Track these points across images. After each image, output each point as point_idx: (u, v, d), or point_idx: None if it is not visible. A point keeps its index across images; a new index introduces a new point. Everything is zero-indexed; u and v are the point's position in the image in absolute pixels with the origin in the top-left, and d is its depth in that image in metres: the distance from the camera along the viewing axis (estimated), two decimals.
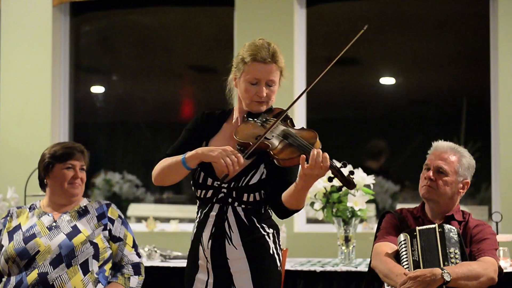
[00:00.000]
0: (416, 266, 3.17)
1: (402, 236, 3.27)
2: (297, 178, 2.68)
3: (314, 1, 5.59)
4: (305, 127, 5.46)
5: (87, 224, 3.46)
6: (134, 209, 6.06)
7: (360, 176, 4.32)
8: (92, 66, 6.40)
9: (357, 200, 4.22)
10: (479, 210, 5.25)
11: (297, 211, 2.82)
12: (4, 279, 3.42)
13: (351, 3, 5.77)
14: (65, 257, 3.35)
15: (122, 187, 6.11)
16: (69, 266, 3.34)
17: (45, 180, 3.54)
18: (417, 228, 3.26)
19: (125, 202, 6.08)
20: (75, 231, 3.42)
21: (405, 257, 3.22)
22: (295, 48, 5.44)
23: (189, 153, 2.78)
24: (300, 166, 2.67)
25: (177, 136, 3.11)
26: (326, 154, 2.62)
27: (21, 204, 4.86)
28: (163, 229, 5.62)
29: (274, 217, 3.00)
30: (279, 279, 2.97)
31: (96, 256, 3.40)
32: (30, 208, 3.55)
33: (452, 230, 3.23)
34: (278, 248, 2.97)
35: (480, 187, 5.35)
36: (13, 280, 3.36)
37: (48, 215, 3.49)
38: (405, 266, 3.20)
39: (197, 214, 2.98)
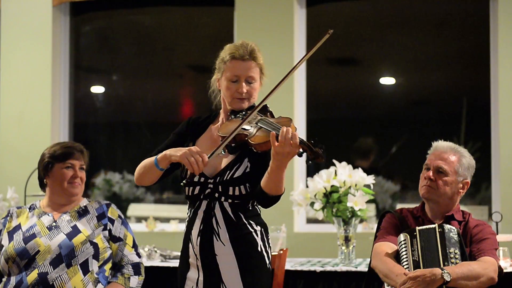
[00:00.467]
0: (416, 266, 3.17)
1: (402, 236, 3.27)
2: (271, 159, 2.72)
3: (314, 1, 5.59)
4: (304, 127, 5.51)
5: (87, 224, 3.46)
6: (134, 209, 6.06)
7: (360, 176, 4.32)
8: (92, 66, 6.40)
9: (357, 200, 4.22)
10: (479, 210, 5.25)
11: (277, 197, 2.86)
12: (4, 279, 3.42)
13: (351, 3, 5.77)
14: (65, 257, 3.35)
15: (122, 187, 6.12)
16: (69, 266, 3.34)
17: (44, 180, 3.54)
18: (417, 228, 3.26)
19: (125, 202, 6.08)
20: (75, 231, 3.42)
21: (405, 257, 3.21)
22: (295, 48, 5.44)
23: (160, 154, 2.88)
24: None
25: None
26: (296, 132, 2.67)
27: (21, 204, 4.87)
28: (163, 229, 5.62)
29: (264, 216, 3.03)
30: (268, 277, 3.00)
31: (96, 256, 3.40)
32: (30, 208, 3.55)
33: (452, 230, 3.23)
34: (267, 246, 3.00)
35: (480, 187, 5.35)
36: (13, 280, 3.36)
37: (48, 215, 3.49)
38: (405, 266, 3.20)
39: (187, 213, 3.03)
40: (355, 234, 4.32)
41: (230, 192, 2.91)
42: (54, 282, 3.31)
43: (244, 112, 2.96)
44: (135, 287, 3.47)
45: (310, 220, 5.39)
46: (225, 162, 2.95)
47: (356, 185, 4.30)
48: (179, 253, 4.48)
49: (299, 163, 5.41)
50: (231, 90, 2.96)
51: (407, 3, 5.71)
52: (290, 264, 4.21)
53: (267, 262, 2.98)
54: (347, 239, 4.29)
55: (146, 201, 6.11)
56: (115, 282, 3.44)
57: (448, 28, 5.67)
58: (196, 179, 2.94)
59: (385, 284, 3.26)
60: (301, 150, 2.68)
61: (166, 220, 5.71)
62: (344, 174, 4.31)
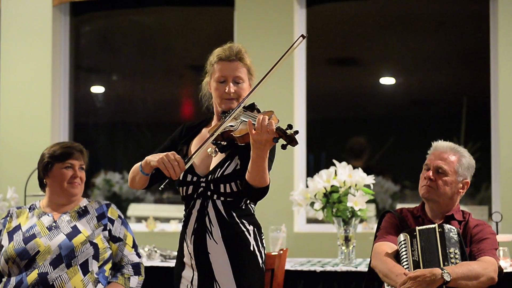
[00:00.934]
0: (416, 266, 3.17)
1: (402, 236, 3.27)
2: (251, 149, 2.78)
3: (314, 1, 5.58)
4: (304, 127, 5.51)
5: (87, 225, 3.46)
6: (134, 209, 6.06)
7: (360, 176, 4.32)
8: (92, 66, 6.40)
9: (357, 200, 4.23)
10: (479, 210, 5.25)
11: (263, 189, 2.87)
12: (4, 280, 3.42)
13: (351, 3, 5.76)
14: (65, 257, 3.35)
15: (122, 187, 6.11)
16: (69, 266, 3.34)
17: (44, 180, 3.54)
18: (417, 228, 3.26)
19: (125, 202, 6.08)
20: (75, 231, 3.42)
21: (405, 257, 3.22)
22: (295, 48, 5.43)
23: (143, 160, 2.98)
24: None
25: None
26: (272, 120, 2.72)
27: (21, 204, 4.86)
28: (163, 229, 5.62)
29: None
30: (261, 276, 3.03)
31: (96, 256, 3.40)
32: (30, 208, 3.55)
33: (452, 230, 3.23)
34: (260, 245, 3.03)
35: (480, 187, 5.35)
36: (13, 280, 3.36)
37: (48, 215, 3.49)
38: (405, 266, 3.20)
39: (184, 213, 3.09)
40: (355, 234, 4.32)
41: (222, 190, 2.96)
42: (54, 282, 3.31)
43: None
44: (135, 287, 3.47)
45: (310, 220, 5.39)
46: (216, 160, 3.01)
47: (356, 185, 4.30)
48: None
49: (299, 163, 5.41)
50: (220, 90, 3.02)
51: (407, 3, 5.70)
52: (290, 264, 4.21)
53: (260, 261, 3.01)
54: (347, 239, 4.29)
55: (146, 201, 6.11)
56: (115, 282, 3.44)
57: (448, 28, 5.67)
58: (188, 178, 3.00)
59: (385, 284, 3.26)
60: (277, 136, 2.72)
61: (166, 220, 5.71)
62: (344, 174, 4.31)
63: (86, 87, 6.25)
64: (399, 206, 5.30)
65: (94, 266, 3.40)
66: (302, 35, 2.92)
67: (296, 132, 2.71)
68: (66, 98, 5.95)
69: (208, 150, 2.95)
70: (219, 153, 2.95)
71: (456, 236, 3.22)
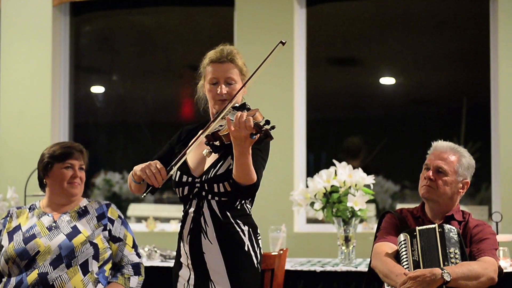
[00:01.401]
0: (416, 266, 3.17)
1: (402, 236, 3.27)
2: (233, 146, 2.82)
3: (314, 1, 5.58)
4: (304, 127, 5.51)
5: (86, 225, 3.46)
6: (134, 209, 6.06)
7: (360, 176, 4.32)
8: (92, 66, 6.39)
9: (357, 200, 4.23)
10: (479, 210, 5.25)
11: (250, 187, 2.89)
12: (4, 280, 3.42)
13: (351, 3, 5.76)
14: (65, 258, 3.35)
15: (122, 187, 6.11)
16: (69, 267, 3.34)
17: (44, 180, 3.54)
18: (417, 228, 3.26)
19: (125, 202, 6.08)
20: (75, 231, 3.42)
21: (405, 257, 3.22)
22: (295, 48, 5.44)
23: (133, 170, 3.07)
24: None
25: None
26: (250, 117, 2.76)
27: (21, 204, 4.86)
28: (163, 229, 5.62)
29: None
30: (256, 277, 3.04)
31: (96, 257, 3.40)
32: (30, 209, 3.55)
33: (452, 230, 3.23)
34: (255, 246, 3.05)
35: (480, 187, 5.35)
36: (13, 280, 3.36)
37: (48, 215, 3.49)
38: (405, 266, 3.20)
39: (182, 214, 3.13)
40: (355, 234, 4.32)
41: (215, 190, 2.98)
42: (54, 282, 3.31)
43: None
44: (135, 287, 3.47)
45: (310, 220, 5.39)
46: (210, 161, 3.05)
47: (356, 185, 4.30)
48: None
49: (299, 163, 5.41)
50: (213, 92, 3.08)
51: (407, 3, 5.70)
52: (290, 264, 4.21)
53: (255, 261, 3.03)
54: (347, 239, 4.29)
55: (146, 201, 6.11)
56: (115, 282, 3.44)
57: (448, 28, 5.66)
58: (184, 179, 3.05)
59: (385, 284, 3.26)
60: (254, 132, 2.75)
61: (166, 220, 5.71)
62: (344, 174, 4.31)
63: (86, 87, 6.25)
64: (399, 206, 5.30)
65: (94, 266, 3.40)
66: (281, 42, 2.96)
67: (273, 127, 2.75)
68: (66, 98, 5.95)
69: (204, 151, 3.00)
70: (213, 153, 2.99)
71: (456, 236, 3.22)
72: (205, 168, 3.05)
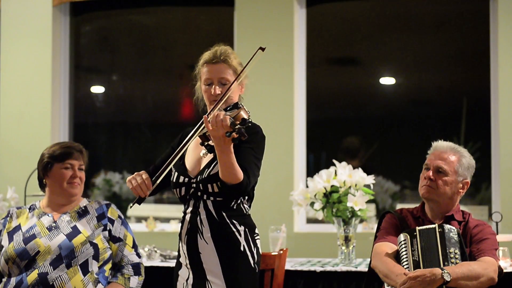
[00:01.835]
0: (416, 266, 3.17)
1: (402, 236, 3.27)
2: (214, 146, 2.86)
3: (314, 1, 5.58)
4: (304, 127, 5.51)
5: (86, 225, 3.46)
6: (134, 209, 6.06)
7: (360, 176, 4.32)
8: (92, 66, 6.39)
9: (357, 200, 4.23)
10: (479, 210, 5.25)
11: (237, 186, 2.90)
12: (4, 280, 3.42)
13: (351, 3, 5.76)
14: (65, 258, 3.35)
15: (122, 187, 6.11)
16: (69, 267, 3.34)
17: (44, 180, 3.53)
18: (417, 228, 3.26)
19: (125, 202, 6.08)
20: (75, 231, 3.42)
21: (405, 257, 3.22)
22: (295, 48, 5.44)
23: None
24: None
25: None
26: (227, 116, 2.78)
27: (21, 204, 4.86)
28: (163, 229, 5.62)
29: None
30: (252, 277, 3.04)
31: (96, 257, 3.40)
32: (30, 209, 3.55)
33: (452, 230, 3.23)
34: (252, 246, 3.05)
35: (480, 187, 5.35)
36: (13, 280, 3.36)
37: (48, 215, 3.49)
38: (405, 266, 3.20)
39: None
40: (355, 234, 4.32)
41: (210, 190, 3.00)
42: (54, 283, 3.31)
43: None
44: (135, 287, 3.47)
45: (310, 220, 5.39)
46: (205, 161, 3.07)
47: (356, 185, 4.30)
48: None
49: (299, 163, 5.41)
50: (208, 93, 3.11)
51: (407, 3, 5.70)
52: (290, 264, 4.21)
53: (251, 262, 3.03)
54: (347, 239, 4.29)
55: (146, 201, 6.09)
56: (115, 282, 3.44)
57: (448, 28, 5.66)
58: (181, 180, 3.07)
59: (385, 284, 3.26)
60: (230, 131, 2.78)
61: (166, 220, 5.71)
62: (344, 174, 4.31)
63: (86, 87, 6.25)
64: (399, 206, 5.30)
65: (94, 266, 3.40)
66: (260, 47, 2.98)
67: (247, 126, 2.77)
68: (66, 98, 5.95)
69: (201, 152, 3.03)
70: (208, 154, 2.99)
71: (456, 236, 3.22)
72: (201, 168, 3.06)
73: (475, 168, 3.42)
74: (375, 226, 3.61)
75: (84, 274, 3.36)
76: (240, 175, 2.88)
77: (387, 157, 5.77)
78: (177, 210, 5.82)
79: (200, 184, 3.01)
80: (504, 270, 3.47)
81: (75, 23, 6.06)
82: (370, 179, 4.33)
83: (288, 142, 5.36)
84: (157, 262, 4.38)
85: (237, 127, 2.75)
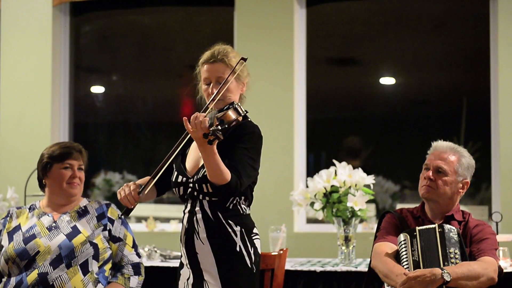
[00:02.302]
0: (416, 266, 3.17)
1: (402, 236, 3.27)
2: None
3: (314, 1, 5.59)
4: (304, 127, 5.51)
5: (86, 225, 3.46)
6: (134, 209, 6.05)
7: (360, 176, 4.32)
8: (92, 66, 6.39)
9: (357, 200, 4.22)
10: (479, 210, 5.25)
11: (224, 187, 2.90)
12: (4, 280, 3.42)
13: (351, 3, 5.76)
14: (65, 258, 3.35)
15: None
16: (69, 267, 3.34)
17: (43, 181, 3.53)
18: (417, 228, 3.26)
19: None
20: (75, 231, 3.42)
21: (405, 257, 3.21)
22: (295, 48, 5.44)
23: None
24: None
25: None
26: (206, 118, 2.80)
27: (21, 204, 4.86)
28: (163, 229, 5.62)
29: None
30: (249, 277, 3.02)
31: (96, 257, 3.40)
32: (29, 209, 3.55)
33: (452, 230, 3.23)
34: (249, 246, 3.03)
35: (480, 187, 5.35)
36: (13, 280, 3.36)
37: (48, 215, 3.48)
38: (405, 266, 3.20)
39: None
40: (355, 234, 4.32)
41: (205, 190, 2.99)
42: (54, 283, 3.31)
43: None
44: (135, 287, 3.47)
45: (310, 220, 5.39)
46: (202, 161, 3.04)
47: (356, 185, 4.30)
48: (179, 253, 4.52)
49: (299, 163, 5.41)
50: (206, 92, 3.12)
51: (407, 3, 5.70)
52: (290, 264, 4.21)
53: (248, 262, 3.02)
54: (347, 239, 4.29)
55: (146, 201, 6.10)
56: (115, 282, 3.44)
57: (448, 28, 5.66)
58: (179, 179, 3.08)
59: (385, 284, 3.26)
60: (207, 132, 2.79)
61: (166, 220, 5.71)
62: (344, 174, 4.31)
63: (86, 87, 6.25)
64: (399, 206, 5.30)
65: (94, 266, 3.39)
66: (242, 58, 3.03)
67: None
68: (66, 98, 5.95)
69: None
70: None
71: (456, 236, 3.22)
72: (198, 168, 3.07)
73: (475, 168, 3.42)
74: (375, 226, 3.61)
75: (84, 274, 3.36)
76: (227, 176, 2.87)
77: (387, 157, 5.77)
78: (177, 210, 5.82)
79: (196, 184, 3.01)
80: (504, 270, 3.47)
81: (75, 23, 6.06)
82: (370, 179, 4.33)
83: (288, 142, 5.36)
84: (157, 262, 4.37)
85: (212, 128, 2.75)
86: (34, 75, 5.78)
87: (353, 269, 4.04)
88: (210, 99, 3.02)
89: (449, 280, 3.05)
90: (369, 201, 4.30)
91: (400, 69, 5.78)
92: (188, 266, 3.06)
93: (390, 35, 5.77)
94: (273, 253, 3.60)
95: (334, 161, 4.39)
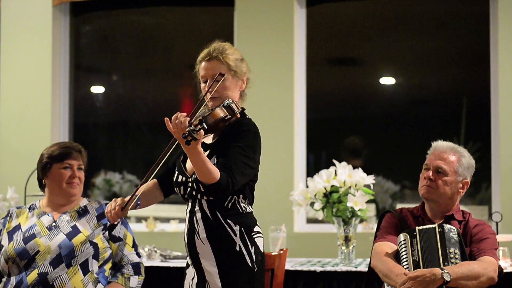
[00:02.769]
0: (416, 266, 3.17)
1: (402, 236, 3.27)
2: None
3: (314, 1, 5.59)
4: (304, 127, 5.51)
5: (86, 224, 3.46)
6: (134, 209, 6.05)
7: (360, 176, 4.32)
8: (92, 66, 6.40)
9: (357, 200, 4.22)
10: (479, 210, 5.25)
11: (213, 186, 2.89)
12: (4, 279, 3.42)
13: (351, 3, 5.76)
14: (65, 257, 3.35)
15: (122, 187, 6.11)
16: (69, 266, 3.34)
17: (43, 181, 3.53)
18: (417, 228, 3.26)
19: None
20: (75, 231, 3.42)
21: (405, 257, 3.22)
22: (295, 48, 5.44)
23: None
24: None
25: None
26: (186, 118, 2.81)
27: (21, 204, 4.86)
28: (163, 229, 5.62)
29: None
30: (250, 276, 3.00)
31: (96, 256, 3.40)
32: (29, 208, 3.55)
33: (452, 230, 3.23)
34: (249, 245, 3.01)
35: (480, 187, 5.35)
36: (13, 280, 3.36)
37: (48, 215, 3.49)
38: (405, 266, 3.20)
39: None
40: (355, 234, 4.32)
41: (202, 189, 2.98)
42: (54, 282, 3.31)
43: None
44: (135, 287, 3.47)
45: (310, 220, 5.39)
46: None
47: (356, 185, 4.30)
48: (179, 253, 4.54)
49: (299, 163, 5.41)
50: (204, 90, 3.10)
51: (407, 3, 5.70)
52: (290, 264, 4.21)
53: (248, 261, 3.00)
54: (347, 239, 4.29)
55: None
56: (115, 282, 3.44)
57: (448, 28, 5.66)
58: (179, 179, 3.07)
59: (385, 284, 3.26)
60: (185, 133, 2.77)
61: (166, 220, 5.71)
62: (344, 174, 4.31)
63: (86, 87, 6.25)
64: (399, 206, 5.30)
65: (94, 266, 3.40)
66: (220, 73, 3.04)
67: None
68: (66, 98, 5.95)
69: None
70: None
71: (456, 236, 3.22)
72: None
73: (475, 168, 3.42)
74: (375, 226, 3.61)
75: (84, 274, 3.36)
76: (215, 175, 2.86)
77: (387, 157, 5.77)
78: (177, 210, 5.82)
79: (194, 184, 3.00)
80: (504, 270, 3.47)
81: (75, 23, 6.06)
82: (370, 179, 4.33)
83: (288, 142, 5.36)
84: (157, 262, 4.38)
85: (188, 129, 2.74)
86: (34, 75, 5.78)
87: (353, 269, 4.04)
88: (202, 97, 3.03)
89: (449, 280, 3.05)
90: (369, 201, 4.30)
91: (400, 69, 5.78)
92: (192, 266, 3.06)
93: (390, 35, 5.77)
94: (273, 253, 3.60)
95: (334, 161, 4.39)
